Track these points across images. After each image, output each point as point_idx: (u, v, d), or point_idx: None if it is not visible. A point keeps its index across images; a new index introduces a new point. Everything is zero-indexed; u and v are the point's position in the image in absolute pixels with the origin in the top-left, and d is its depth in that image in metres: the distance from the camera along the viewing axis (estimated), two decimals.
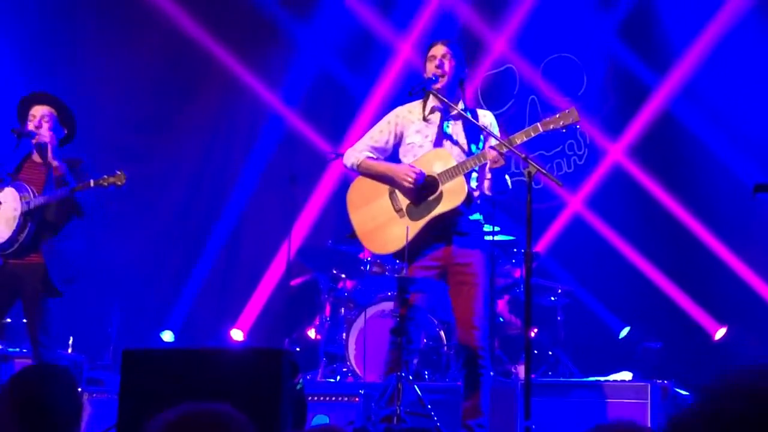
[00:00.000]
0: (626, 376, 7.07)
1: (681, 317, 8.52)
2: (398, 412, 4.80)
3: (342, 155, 8.13)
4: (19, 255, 5.90)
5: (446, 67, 5.29)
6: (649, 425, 6.04)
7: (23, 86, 8.29)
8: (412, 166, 5.21)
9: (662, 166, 8.88)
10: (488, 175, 5.22)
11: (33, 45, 9.57)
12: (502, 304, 8.17)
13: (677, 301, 8.59)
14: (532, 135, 5.06)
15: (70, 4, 9.84)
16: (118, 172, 5.82)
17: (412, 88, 5.30)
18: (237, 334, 9.45)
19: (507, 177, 5.28)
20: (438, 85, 5.27)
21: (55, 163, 5.90)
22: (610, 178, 9.10)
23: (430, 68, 5.30)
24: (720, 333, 8.38)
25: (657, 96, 8.94)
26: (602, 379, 6.65)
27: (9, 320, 6.75)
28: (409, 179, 5.16)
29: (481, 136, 5.31)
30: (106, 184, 5.80)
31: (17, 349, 6.92)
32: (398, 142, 5.41)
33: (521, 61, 9.67)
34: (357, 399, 6.14)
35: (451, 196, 5.15)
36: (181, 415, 1.81)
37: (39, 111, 6.04)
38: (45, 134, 5.99)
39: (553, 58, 9.59)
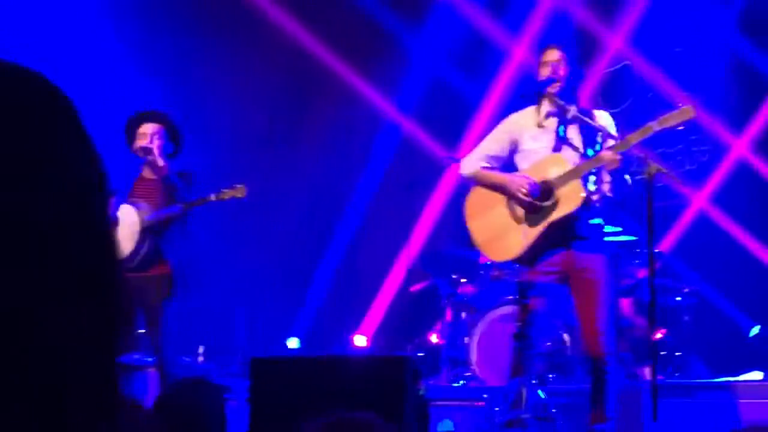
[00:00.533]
0: (757, 375, 6.89)
1: None
2: (522, 416, 4.79)
3: (458, 160, 8.16)
4: (142, 268, 6.10)
5: (561, 72, 5.25)
6: None
7: (145, 102, 8.56)
8: (527, 177, 5.18)
9: None
10: (607, 177, 5.17)
11: (156, 62, 9.86)
12: (626, 306, 8.05)
13: None
14: (648, 134, 4.99)
15: (191, 23, 10.11)
16: (238, 186, 5.95)
17: (524, 91, 5.28)
18: (360, 340, 9.55)
19: (627, 177, 5.20)
20: (552, 90, 5.23)
21: (161, 163, 6.06)
22: (734, 174, 8.88)
23: (544, 73, 5.27)
24: None
25: None
26: (732, 379, 6.49)
27: (142, 331, 6.97)
28: (523, 191, 5.15)
29: (599, 138, 5.25)
30: (226, 197, 5.94)
31: (148, 359, 7.15)
32: (514, 149, 5.39)
33: (639, 58, 9.52)
34: (481, 403, 6.14)
35: (567, 200, 5.11)
36: (333, 423, 1.84)
37: (149, 128, 6.21)
38: (155, 150, 6.17)
39: (672, 54, 9.41)
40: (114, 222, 6.14)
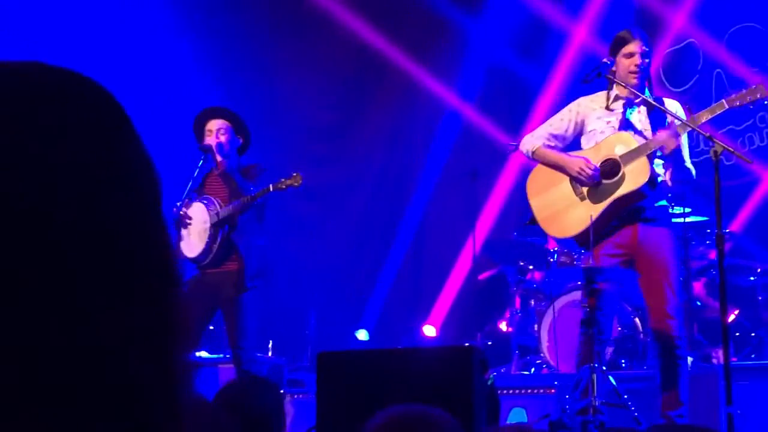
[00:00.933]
0: None
1: None
2: (594, 403, 4.74)
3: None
4: (216, 264, 6.17)
5: (643, 65, 5.20)
6: None
7: (208, 97, 8.65)
8: (587, 160, 5.13)
9: None
10: (687, 156, 5.11)
11: (218, 55, 9.97)
12: (698, 287, 7.92)
13: None
14: (718, 112, 4.91)
15: (255, 18, 10.20)
16: (294, 174, 5.98)
17: (587, 74, 5.22)
18: (430, 330, 9.55)
19: (691, 166, 5.13)
20: (634, 80, 5.16)
21: (219, 159, 6.14)
22: None
23: (627, 64, 5.18)
24: None
25: None
26: None
27: (212, 328, 7.04)
28: (584, 174, 5.10)
29: (667, 123, 5.17)
30: (283, 186, 5.97)
31: (220, 356, 7.23)
32: (579, 131, 5.33)
33: (703, 35, 9.33)
34: (552, 391, 6.09)
35: (634, 177, 5.05)
36: (393, 418, 1.84)
37: (215, 125, 6.28)
38: (223, 144, 6.23)
39: (737, 29, 9.21)
40: (186, 220, 6.22)
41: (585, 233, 5.04)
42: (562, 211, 5.26)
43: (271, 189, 5.98)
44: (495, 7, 10.08)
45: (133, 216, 0.79)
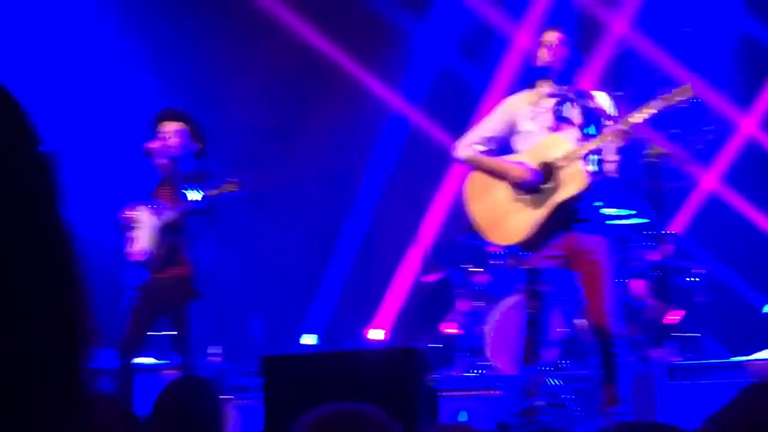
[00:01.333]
0: None
1: None
2: (537, 404, 4.79)
3: None
4: (161, 269, 6.12)
5: (559, 53, 5.23)
6: None
7: (155, 99, 8.61)
8: (524, 166, 5.15)
9: None
10: (615, 157, 5.14)
11: (164, 58, 9.91)
12: (639, 288, 8.04)
13: None
14: (650, 113, 4.97)
15: (197, 20, 10.15)
16: (234, 180, 5.95)
17: (529, 77, 5.27)
18: (377, 334, 9.57)
19: (633, 158, 5.17)
20: (556, 67, 5.22)
21: (164, 163, 6.09)
22: (744, 152, 8.86)
23: (543, 55, 5.25)
24: None
25: None
26: (746, 358, 6.48)
27: (157, 333, 7.00)
28: (526, 181, 5.13)
29: (599, 120, 5.22)
30: (225, 191, 5.93)
31: (165, 361, 7.18)
32: (511, 131, 5.36)
33: (644, 40, 9.49)
34: (497, 392, 6.15)
35: (571, 182, 5.09)
36: (324, 416, 1.86)
37: (167, 127, 6.22)
38: (172, 147, 6.18)
39: (677, 34, 9.38)
40: (133, 224, 6.17)
41: (526, 239, 5.07)
42: (502, 217, 5.27)
43: (214, 193, 5.94)
44: (440, 11, 10.15)
45: (22, 221, 0.77)
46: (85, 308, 0.82)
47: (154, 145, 6.16)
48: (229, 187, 5.92)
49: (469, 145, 5.39)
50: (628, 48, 9.60)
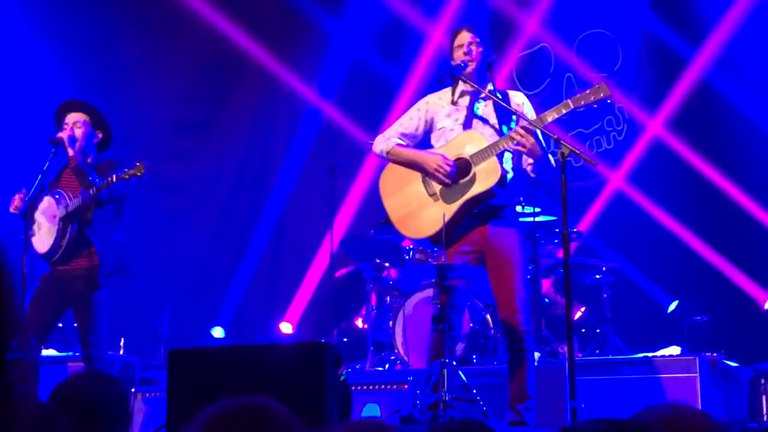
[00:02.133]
0: (675, 350, 7.04)
1: (729, 289, 8.46)
2: (444, 398, 4.82)
3: None
4: (65, 261, 6.01)
5: (474, 53, 5.28)
6: (699, 399, 6.03)
7: (68, 93, 8.45)
8: (444, 157, 5.19)
9: (702, 137, 8.81)
10: (530, 159, 5.20)
11: (77, 52, 9.73)
12: (547, 285, 8.17)
13: (725, 272, 8.52)
14: (563, 112, 5.05)
15: (111, 9, 9.98)
16: (137, 164, 5.87)
17: (441, 75, 5.31)
18: (286, 327, 9.54)
19: (550, 156, 5.24)
20: (467, 70, 5.27)
21: (71, 152, 6.00)
22: (650, 153, 9.05)
23: (458, 56, 5.30)
24: None
25: (693, 67, 8.87)
26: (650, 354, 6.62)
27: (60, 325, 6.87)
28: (441, 172, 5.16)
29: (513, 117, 5.29)
30: (127, 176, 5.84)
31: (69, 353, 7.06)
32: (429, 128, 5.42)
33: (554, 40, 9.63)
34: (406, 386, 6.17)
35: (485, 176, 5.15)
36: (220, 412, 1.84)
37: (72, 118, 6.15)
38: (77, 138, 6.09)
39: (586, 35, 9.54)
40: (36, 215, 6.06)
41: (439, 233, 5.11)
42: (416, 211, 5.31)
43: (114, 180, 5.85)
44: (356, 6, 10.15)
45: None
46: (10, 300, 0.82)
47: (63, 134, 6.06)
48: (132, 172, 5.83)
49: (387, 140, 5.41)
50: (539, 47, 9.72)
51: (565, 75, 9.56)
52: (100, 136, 6.22)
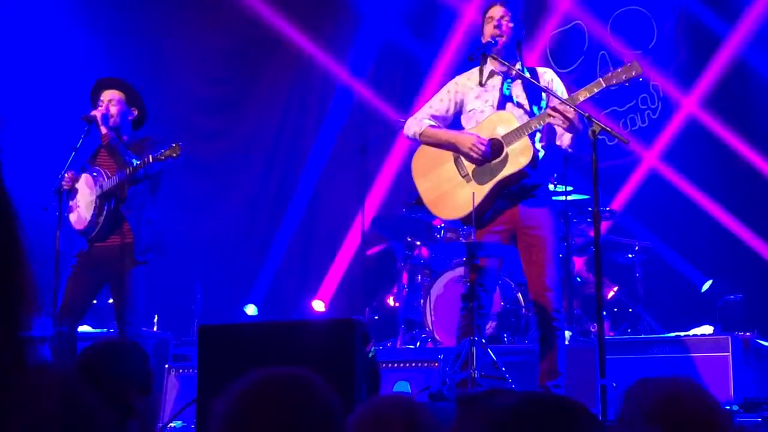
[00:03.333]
0: (707, 330, 7.00)
1: (763, 268, 8.38)
2: (473, 375, 4.83)
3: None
4: (102, 237, 6.08)
5: (504, 27, 5.24)
6: (731, 378, 6.00)
7: (100, 71, 8.51)
8: (478, 137, 5.17)
9: (737, 116, 8.71)
10: (565, 135, 5.18)
11: (109, 31, 9.79)
12: (579, 264, 8.13)
13: (759, 251, 8.44)
14: (595, 91, 5.01)
15: None
16: (173, 145, 5.90)
17: (472, 53, 5.28)
18: (319, 305, 9.58)
19: (590, 132, 5.20)
20: (497, 47, 5.24)
21: (104, 131, 6.04)
22: (685, 131, 8.96)
23: (488, 30, 5.27)
24: None
25: (729, 45, 8.76)
26: (683, 334, 6.59)
27: (95, 302, 6.95)
28: (477, 151, 5.14)
29: (543, 95, 5.26)
30: (162, 157, 5.88)
31: (104, 330, 7.14)
32: (459, 110, 5.40)
33: (589, 17, 9.55)
34: (436, 364, 6.19)
35: (517, 157, 5.14)
36: (258, 380, 1.85)
37: (107, 95, 6.21)
38: (111, 115, 6.14)
39: (621, 12, 9.45)
40: (74, 192, 6.12)
41: (470, 214, 5.10)
42: (449, 192, 5.31)
43: (151, 160, 5.90)
44: None
45: None
46: (25, 276, 0.83)
47: (96, 112, 6.12)
48: (168, 153, 5.88)
49: (419, 121, 5.41)
50: (573, 25, 9.65)
51: (599, 53, 9.48)
52: (135, 113, 6.27)
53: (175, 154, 5.87)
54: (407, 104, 9.59)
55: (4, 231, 0.82)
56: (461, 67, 5.68)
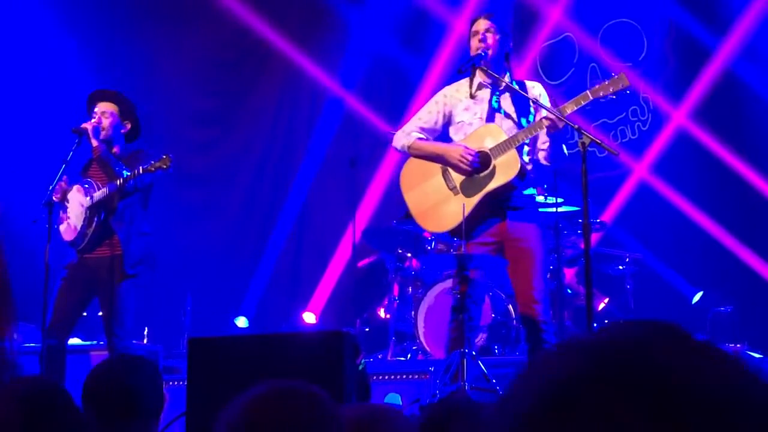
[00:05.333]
0: None
1: (753, 279, 8.40)
2: (463, 387, 4.83)
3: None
4: (91, 249, 6.07)
5: (489, 40, 5.26)
6: None
7: (91, 83, 8.51)
8: (467, 148, 5.18)
9: (727, 127, 8.74)
10: (544, 145, 5.20)
11: (101, 42, 9.80)
12: (570, 276, 8.14)
13: (749, 263, 8.46)
14: (583, 103, 5.02)
15: (131, 2, 10.04)
16: (164, 156, 5.90)
17: (462, 65, 5.29)
18: (309, 317, 9.56)
19: (563, 146, 5.23)
20: (486, 59, 5.26)
21: (95, 143, 6.04)
22: (675, 143, 8.98)
23: (474, 44, 5.29)
24: None
25: (718, 57, 8.79)
26: None
27: (85, 314, 6.92)
28: (465, 162, 5.15)
29: (532, 108, 5.28)
30: (153, 169, 5.88)
31: (93, 342, 7.11)
32: (447, 121, 5.41)
33: (578, 30, 9.58)
34: (427, 376, 6.19)
35: (504, 170, 5.15)
36: (264, 393, 1.84)
37: (101, 107, 6.21)
38: (102, 128, 6.14)
39: (611, 24, 9.48)
40: (65, 203, 6.12)
41: (459, 226, 5.12)
42: (437, 205, 5.33)
43: (141, 172, 5.90)
44: None
45: None
46: (3, 290, 0.82)
47: (87, 124, 6.12)
48: (159, 164, 5.87)
49: (407, 134, 5.42)
50: (563, 37, 9.68)
51: (589, 65, 9.51)
52: (128, 126, 6.27)
53: (165, 166, 5.86)
54: (397, 116, 9.58)
55: None
56: (451, 79, 5.70)
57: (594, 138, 4.78)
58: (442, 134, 5.45)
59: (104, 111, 6.18)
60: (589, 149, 4.81)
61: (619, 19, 9.45)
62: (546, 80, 9.26)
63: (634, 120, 9.30)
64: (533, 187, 5.31)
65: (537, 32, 9.54)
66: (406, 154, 5.44)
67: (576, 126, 4.85)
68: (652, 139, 9.11)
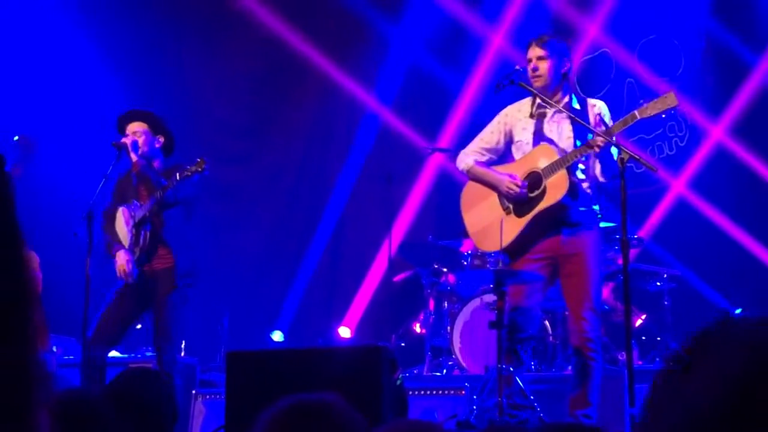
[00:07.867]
0: None
1: None
2: (501, 403, 4.82)
3: (438, 150, 8.17)
4: (141, 263, 6.12)
5: (541, 70, 5.29)
6: None
7: (126, 98, 8.60)
8: (513, 177, 5.27)
9: (765, 143, 8.66)
10: (597, 164, 5.19)
11: (135, 57, 9.88)
12: (606, 292, 8.09)
13: None
14: (630, 123, 5.03)
15: (171, 16, 10.12)
16: (198, 160, 5.93)
17: (499, 81, 5.31)
18: (345, 332, 9.57)
19: (618, 160, 5.20)
20: (538, 84, 5.27)
21: (134, 158, 6.10)
22: (713, 159, 8.91)
23: (529, 71, 5.33)
24: None
25: (756, 73, 8.72)
26: None
27: (139, 326, 6.97)
28: (512, 192, 5.27)
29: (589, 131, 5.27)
30: (189, 174, 5.92)
31: (132, 355, 7.16)
32: (509, 140, 5.46)
33: (616, 45, 9.55)
34: (463, 392, 6.17)
35: (554, 190, 5.17)
36: (290, 407, 1.86)
37: (131, 128, 6.27)
38: (140, 146, 6.20)
39: (648, 40, 9.45)
40: (114, 225, 6.18)
41: (512, 245, 5.22)
42: (491, 225, 5.41)
43: (178, 178, 5.93)
44: (414, 11, 10.16)
45: None
46: (30, 304, 0.83)
47: (126, 139, 6.18)
48: (194, 168, 5.91)
49: (468, 156, 5.48)
50: (600, 52, 9.65)
51: (626, 80, 9.48)
52: (162, 140, 6.31)
53: (200, 169, 5.89)
54: (434, 131, 9.61)
55: (11, 259, 0.83)
56: (488, 94, 5.73)
57: (633, 154, 4.77)
58: (507, 152, 5.52)
59: (135, 131, 6.24)
60: (627, 165, 4.79)
61: (656, 34, 9.41)
62: (582, 95, 9.22)
63: (672, 135, 9.25)
64: (589, 204, 5.28)
65: (574, 47, 9.49)
66: (467, 176, 5.53)
67: (615, 141, 4.83)
68: (690, 155, 9.05)
